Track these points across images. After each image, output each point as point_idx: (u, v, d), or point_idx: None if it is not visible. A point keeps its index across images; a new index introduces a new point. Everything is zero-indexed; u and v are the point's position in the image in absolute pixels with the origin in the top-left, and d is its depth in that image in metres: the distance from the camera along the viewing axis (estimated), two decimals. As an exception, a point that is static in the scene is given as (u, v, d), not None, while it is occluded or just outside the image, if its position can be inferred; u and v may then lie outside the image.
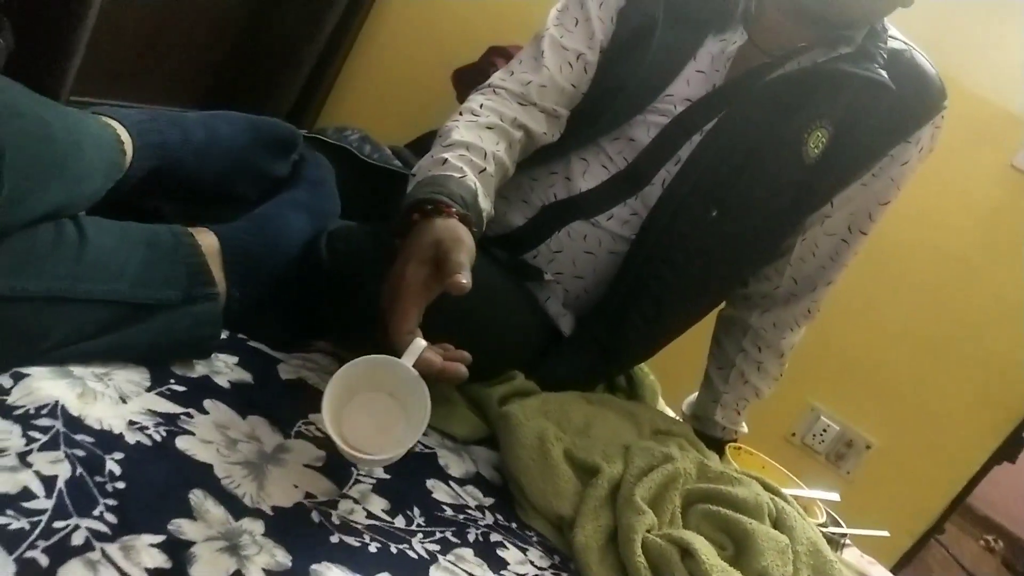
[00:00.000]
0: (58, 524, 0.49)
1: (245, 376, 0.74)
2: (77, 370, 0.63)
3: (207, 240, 0.77)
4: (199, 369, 0.72)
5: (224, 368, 0.73)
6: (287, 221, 0.88)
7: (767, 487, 0.89)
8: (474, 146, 0.88)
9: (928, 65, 0.99)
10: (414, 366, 0.64)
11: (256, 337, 0.81)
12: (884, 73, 0.94)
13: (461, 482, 0.78)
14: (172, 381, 0.68)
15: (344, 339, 0.87)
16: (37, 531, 0.47)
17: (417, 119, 1.75)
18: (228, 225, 0.82)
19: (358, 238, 0.86)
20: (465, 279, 0.66)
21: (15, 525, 0.47)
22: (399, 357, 0.64)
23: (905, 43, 1.00)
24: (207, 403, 0.67)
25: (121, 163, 0.76)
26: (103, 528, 0.50)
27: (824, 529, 1.01)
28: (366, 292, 0.79)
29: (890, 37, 0.99)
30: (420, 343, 0.65)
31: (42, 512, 0.49)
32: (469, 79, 1.76)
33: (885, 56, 0.96)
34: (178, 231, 0.76)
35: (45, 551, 0.46)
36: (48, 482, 0.51)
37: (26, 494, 0.49)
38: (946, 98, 0.99)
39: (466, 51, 1.84)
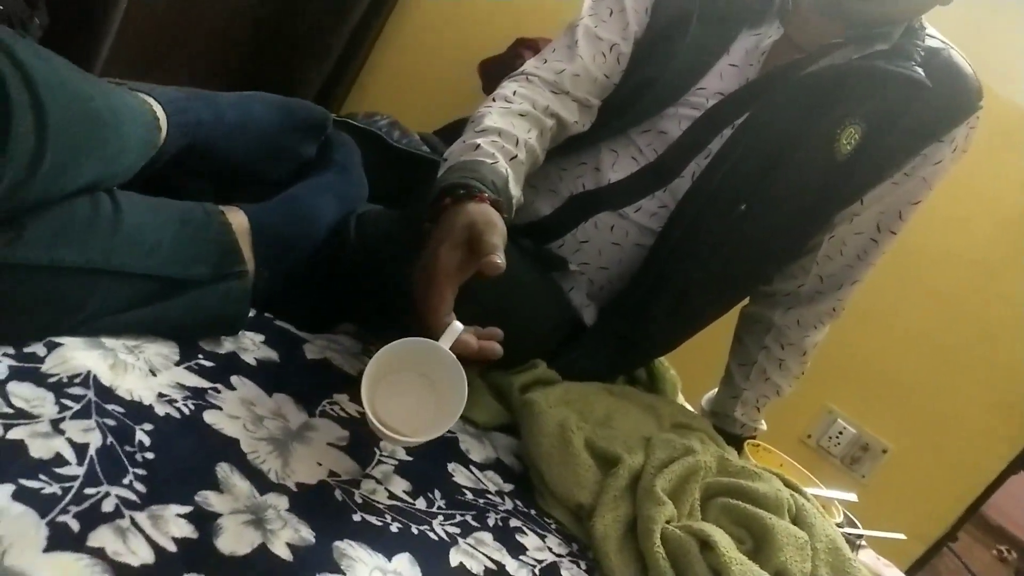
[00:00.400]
0: (89, 491, 0.49)
1: (271, 354, 0.75)
2: (109, 342, 0.64)
3: (237, 219, 0.78)
4: (227, 346, 0.72)
5: (251, 346, 0.74)
6: (317, 203, 0.89)
7: (787, 484, 0.88)
8: (506, 132, 0.88)
9: (965, 64, 0.97)
10: (451, 348, 0.64)
11: (282, 317, 0.82)
12: (920, 71, 0.93)
13: (481, 467, 0.78)
14: (200, 356, 0.69)
15: (369, 321, 0.88)
16: (69, 497, 0.48)
17: (442, 109, 1.75)
18: (259, 205, 0.82)
19: (386, 221, 0.87)
20: (500, 259, 0.66)
21: (48, 490, 0.48)
22: (434, 340, 0.65)
23: (943, 42, 0.99)
24: (234, 379, 0.68)
25: (156, 140, 0.77)
26: (132, 496, 0.51)
27: (841, 529, 1.01)
28: (393, 275, 0.79)
29: (927, 35, 0.98)
30: (457, 326, 0.66)
31: (74, 478, 0.50)
32: (495, 70, 1.76)
33: (922, 54, 0.95)
34: (210, 209, 0.77)
35: (76, 516, 0.47)
36: (80, 449, 0.52)
37: (58, 460, 0.50)
38: (982, 98, 0.98)
39: (492, 42, 1.84)
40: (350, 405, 0.73)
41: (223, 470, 0.57)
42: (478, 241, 0.69)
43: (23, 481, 0.47)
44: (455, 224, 0.71)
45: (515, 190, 0.85)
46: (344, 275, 0.87)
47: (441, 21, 2.01)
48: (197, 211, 0.75)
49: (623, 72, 1.00)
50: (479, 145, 0.85)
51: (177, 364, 0.66)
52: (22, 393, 0.54)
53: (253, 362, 0.72)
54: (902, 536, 1.13)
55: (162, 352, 0.66)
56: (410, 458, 0.72)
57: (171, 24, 1.63)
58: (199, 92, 0.90)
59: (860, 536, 1.08)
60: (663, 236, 0.97)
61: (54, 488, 0.48)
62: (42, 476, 0.48)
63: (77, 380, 0.57)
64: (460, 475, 0.74)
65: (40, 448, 0.50)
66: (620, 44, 0.99)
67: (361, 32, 1.91)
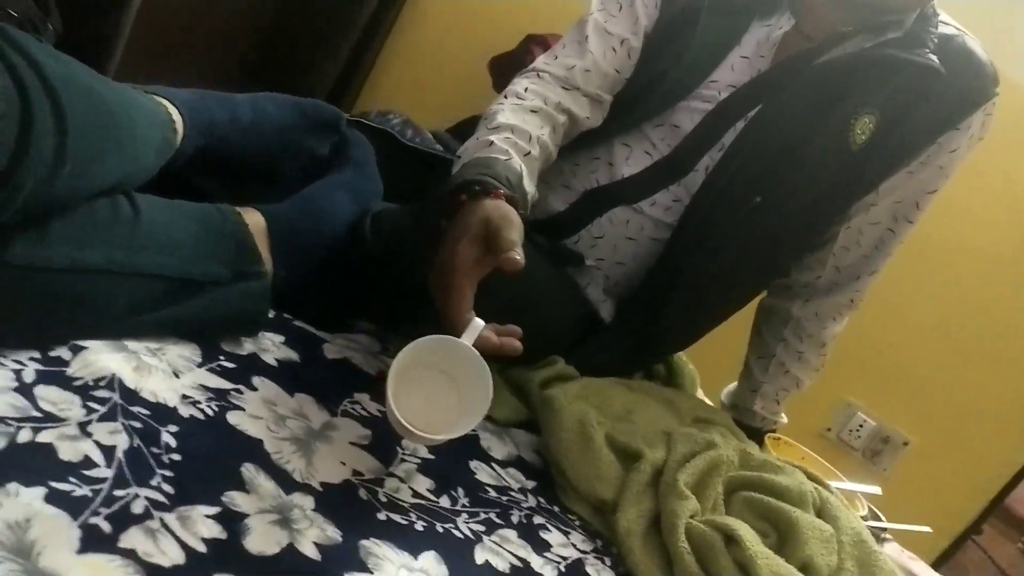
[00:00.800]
0: (118, 492, 0.50)
1: (292, 355, 0.75)
2: (132, 344, 0.64)
3: (254, 219, 0.78)
4: (247, 347, 0.72)
5: (271, 346, 0.74)
6: (333, 202, 0.89)
7: (810, 477, 0.88)
8: (519, 129, 0.88)
9: (980, 51, 0.96)
10: (473, 345, 0.64)
11: (301, 316, 0.82)
12: (934, 58, 0.92)
13: (503, 464, 0.78)
14: (222, 358, 0.69)
15: (387, 319, 0.88)
16: (99, 499, 0.48)
17: (453, 106, 1.75)
18: (275, 205, 0.83)
19: (402, 219, 0.87)
20: (519, 255, 0.66)
21: (78, 492, 0.48)
22: (456, 337, 0.64)
23: (956, 28, 0.98)
24: (256, 380, 0.68)
25: (172, 142, 0.77)
26: (161, 498, 0.51)
27: (865, 523, 1.00)
28: (410, 272, 0.80)
29: (940, 22, 0.97)
30: (479, 322, 0.65)
31: (103, 480, 0.50)
32: (506, 67, 1.75)
33: (935, 41, 0.94)
34: (226, 210, 0.77)
35: (107, 518, 0.47)
36: (107, 452, 0.52)
37: (87, 463, 0.50)
38: (998, 84, 0.97)
39: (503, 39, 1.83)
40: (371, 404, 0.73)
41: (248, 470, 0.58)
42: (496, 237, 0.69)
43: (54, 483, 0.47)
44: (472, 220, 0.71)
45: (529, 186, 0.85)
46: (361, 273, 0.87)
47: (450, 18, 2.01)
48: (214, 212, 0.76)
49: (634, 67, 1.00)
50: (493, 142, 0.85)
51: (199, 366, 0.66)
52: (49, 396, 0.54)
53: (274, 363, 0.72)
54: (927, 529, 1.12)
55: (184, 354, 0.67)
56: (432, 456, 0.72)
57: (182, 24, 1.64)
58: (213, 93, 0.90)
59: (885, 529, 1.07)
60: (678, 230, 0.97)
61: (84, 490, 0.48)
62: (72, 478, 0.49)
63: (102, 383, 0.58)
64: (482, 473, 0.74)
65: (69, 451, 0.50)
66: (630, 39, 0.99)
67: (370, 31, 1.91)
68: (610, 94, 1.00)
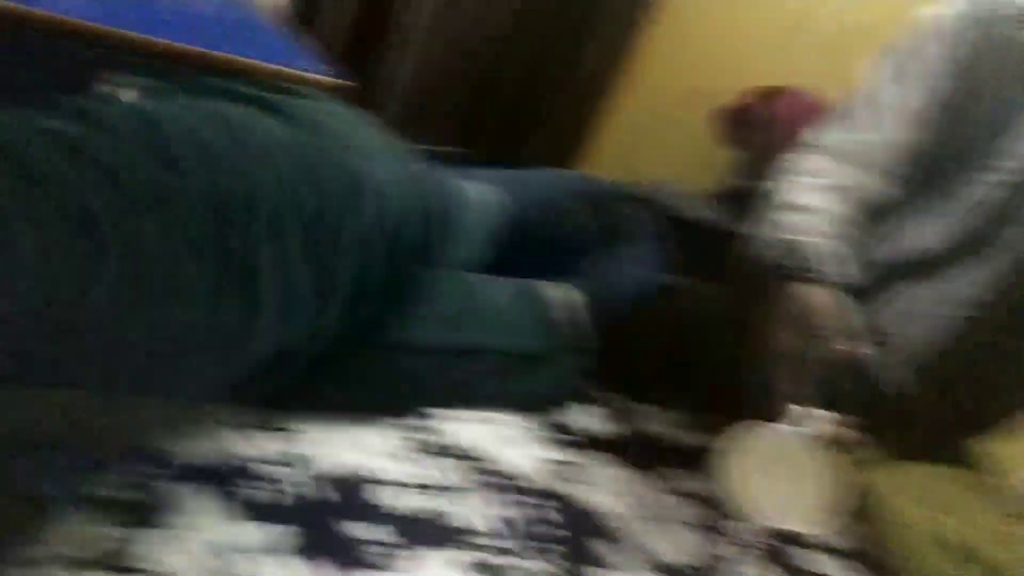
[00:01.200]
0: (524, 564, 0.53)
1: (615, 427, 0.77)
2: (481, 415, 0.69)
3: (567, 295, 0.81)
4: (573, 419, 0.75)
5: (594, 420, 0.76)
6: (626, 276, 0.91)
7: None
8: (817, 209, 0.87)
9: None
10: (811, 435, 0.63)
11: (605, 390, 0.84)
12: None
13: (837, 554, 0.74)
14: (560, 430, 0.72)
15: (690, 398, 0.87)
16: (509, 566, 0.51)
17: (674, 160, 1.75)
18: (577, 281, 0.86)
19: (706, 298, 0.87)
20: (863, 348, 0.64)
21: (493, 561, 0.51)
22: (791, 424, 0.64)
23: None
24: (594, 454, 0.70)
25: (495, 224, 0.83)
26: (551, 568, 0.53)
27: None
28: (725, 355, 0.80)
29: None
30: (819, 413, 0.64)
31: (507, 552, 0.53)
32: (737, 119, 1.72)
33: None
34: (542, 286, 0.81)
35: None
36: (500, 522, 0.56)
37: (478, 531, 0.54)
38: None
39: (725, 92, 1.81)
40: (695, 482, 0.73)
41: (605, 547, 0.59)
42: (823, 325, 0.69)
43: (454, 550, 0.51)
44: (797, 308, 0.71)
45: (837, 267, 0.83)
46: (657, 348, 0.88)
47: (669, 74, 2.01)
48: (533, 289, 0.80)
49: (926, 140, 0.96)
50: (795, 224, 0.85)
51: (544, 438, 0.70)
52: (432, 464, 0.59)
53: (603, 435, 0.74)
54: None
55: (527, 425, 0.70)
56: (771, 543, 0.69)
57: (430, 84, 1.82)
58: (500, 173, 0.96)
59: None
60: (992, 308, 0.90)
61: (481, 557, 0.52)
62: (479, 547, 0.52)
63: (469, 452, 0.63)
64: (823, 564, 0.71)
65: (460, 518, 0.55)
66: (921, 112, 0.95)
67: (589, 91, 2.00)
68: (903, 168, 0.96)
